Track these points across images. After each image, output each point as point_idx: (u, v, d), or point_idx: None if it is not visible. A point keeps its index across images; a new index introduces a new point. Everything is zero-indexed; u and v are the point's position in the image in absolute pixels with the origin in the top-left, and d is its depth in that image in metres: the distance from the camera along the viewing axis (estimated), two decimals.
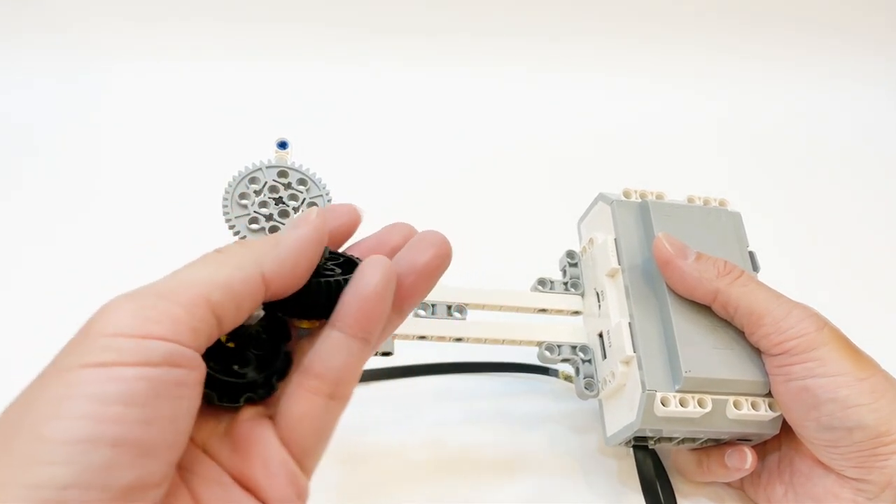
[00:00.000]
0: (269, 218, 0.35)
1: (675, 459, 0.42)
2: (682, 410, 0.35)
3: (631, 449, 0.39)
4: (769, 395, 0.37)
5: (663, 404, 0.35)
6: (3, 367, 0.43)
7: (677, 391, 0.36)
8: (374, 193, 0.56)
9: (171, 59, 0.65)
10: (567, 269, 0.43)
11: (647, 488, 0.38)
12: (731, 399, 0.36)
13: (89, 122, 0.59)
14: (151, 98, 0.62)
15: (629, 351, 0.37)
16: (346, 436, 0.42)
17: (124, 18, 0.65)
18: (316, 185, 0.37)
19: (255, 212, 0.35)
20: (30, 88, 0.61)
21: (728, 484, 0.41)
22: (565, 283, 0.43)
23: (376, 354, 0.38)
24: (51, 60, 0.63)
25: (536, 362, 0.44)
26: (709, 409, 0.35)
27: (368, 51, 0.68)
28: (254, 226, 0.35)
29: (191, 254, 0.46)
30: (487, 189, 0.59)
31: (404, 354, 0.44)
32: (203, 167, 0.53)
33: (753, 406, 0.36)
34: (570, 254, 0.44)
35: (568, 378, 0.46)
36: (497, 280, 0.43)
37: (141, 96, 0.62)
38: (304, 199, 0.36)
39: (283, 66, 0.65)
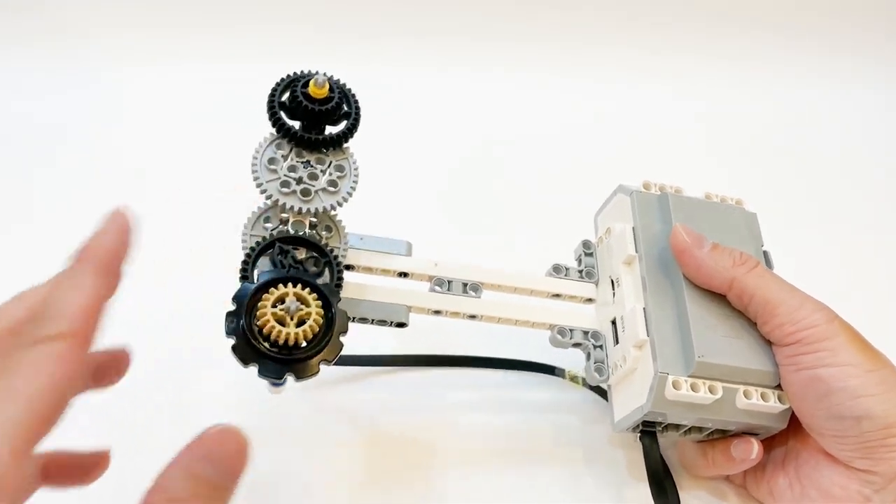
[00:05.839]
0: (299, 181, 0.36)
1: (680, 454, 0.42)
2: (692, 395, 0.35)
3: (638, 438, 0.39)
4: (779, 387, 0.37)
5: (675, 387, 0.35)
6: None
7: (689, 376, 0.36)
8: (401, 183, 0.57)
9: (184, 61, 0.66)
10: (582, 257, 0.44)
11: (653, 475, 0.38)
12: (742, 388, 0.36)
13: (107, 122, 0.60)
14: (168, 99, 0.63)
15: (642, 335, 0.37)
16: (354, 420, 0.43)
17: (139, 24, 0.67)
18: (340, 147, 0.37)
19: (285, 175, 0.36)
20: (47, 92, 0.62)
21: (730, 480, 0.41)
22: (580, 271, 0.43)
23: (391, 325, 0.38)
24: (67, 65, 0.64)
25: (545, 361, 0.46)
26: (719, 395, 0.36)
27: (390, 51, 0.70)
28: (285, 189, 0.35)
29: (210, 250, 0.46)
30: (507, 179, 0.61)
31: (413, 345, 0.45)
32: (214, 165, 0.54)
33: (763, 397, 0.36)
34: (586, 243, 0.44)
35: (574, 379, 0.46)
36: (511, 266, 0.44)
37: (158, 97, 0.63)
38: (331, 162, 0.37)
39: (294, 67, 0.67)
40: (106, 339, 0.24)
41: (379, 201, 0.47)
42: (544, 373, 0.46)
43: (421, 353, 0.46)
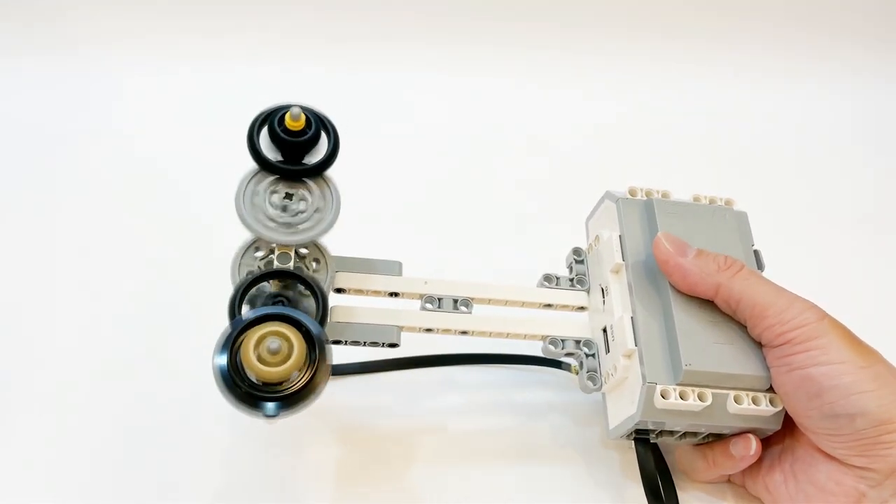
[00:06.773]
0: (282, 212, 0.36)
1: (680, 459, 0.42)
2: (682, 403, 0.36)
3: (633, 445, 0.40)
4: (770, 390, 0.37)
5: (663, 396, 0.36)
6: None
7: (678, 384, 0.36)
8: (382, 192, 0.57)
9: (183, 63, 0.67)
10: (573, 265, 0.44)
11: (648, 482, 0.38)
12: (732, 394, 0.36)
13: (106, 125, 0.61)
14: (166, 101, 0.64)
15: (631, 344, 0.37)
16: (352, 419, 0.44)
17: (137, 27, 0.67)
18: (321, 176, 0.38)
19: (268, 208, 0.36)
20: (42, 92, 0.63)
21: (730, 480, 0.42)
22: (571, 280, 0.43)
23: (382, 346, 0.39)
24: (63, 67, 0.64)
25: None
26: (709, 402, 0.36)
27: (376, 53, 0.70)
28: (269, 223, 0.36)
29: (207, 255, 0.47)
30: (495, 187, 0.60)
31: (412, 347, 0.45)
32: (212, 167, 0.54)
33: (754, 401, 0.36)
34: (577, 251, 0.44)
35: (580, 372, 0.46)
36: (503, 277, 0.44)
37: (151, 98, 0.64)
38: (313, 191, 0.37)
39: (288, 68, 0.67)
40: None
41: (366, 217, 0.47)
42: (551, 367, 0.47)
43: (423, 355, 0.46)
